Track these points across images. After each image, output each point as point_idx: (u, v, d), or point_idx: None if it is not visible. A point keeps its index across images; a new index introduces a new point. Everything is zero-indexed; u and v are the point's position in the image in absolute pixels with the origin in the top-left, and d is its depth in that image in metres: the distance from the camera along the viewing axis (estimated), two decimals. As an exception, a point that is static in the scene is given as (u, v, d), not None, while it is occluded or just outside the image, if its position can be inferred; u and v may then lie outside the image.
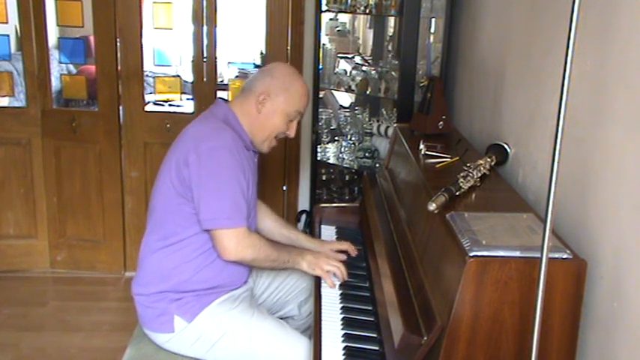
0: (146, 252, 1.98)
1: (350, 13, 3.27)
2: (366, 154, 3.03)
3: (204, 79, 3.38)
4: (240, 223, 1.85)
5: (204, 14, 3.29)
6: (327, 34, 3.46)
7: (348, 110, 3.42)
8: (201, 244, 1.90)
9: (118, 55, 3.34)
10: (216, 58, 3.37)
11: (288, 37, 3.38)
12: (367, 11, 2.97)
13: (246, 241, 1.86)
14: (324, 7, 3.07)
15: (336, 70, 3.22)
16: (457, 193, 1.59)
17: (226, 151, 1.84)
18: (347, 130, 3.21)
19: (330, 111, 3.48)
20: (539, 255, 1.13)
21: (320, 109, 3.26)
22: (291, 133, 2.04)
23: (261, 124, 1.97)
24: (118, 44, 3.33)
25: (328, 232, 2.34)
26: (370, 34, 3.60)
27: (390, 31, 3.31)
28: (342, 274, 1.94)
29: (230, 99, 2.75)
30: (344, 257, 2.04)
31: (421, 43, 2.75)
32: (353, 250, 2.13)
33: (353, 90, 3.05)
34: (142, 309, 1.96)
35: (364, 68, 3.16)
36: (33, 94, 3.39)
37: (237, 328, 1.90)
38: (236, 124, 1.96)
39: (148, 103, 3.57)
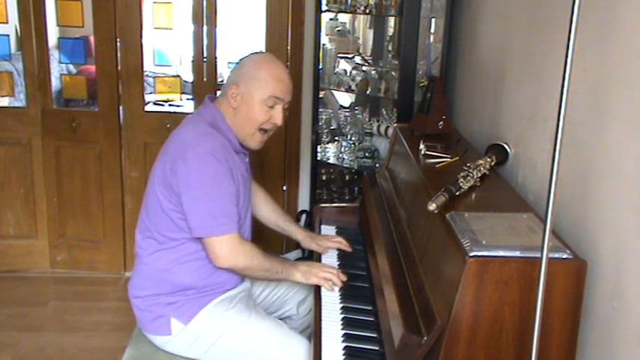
0: (139, 254, 1.97)
1: (350, 13, 3.26)
2: (366, 154, 3.03)
3: (204, 79, 3.38)
4: (231, 229, 1.83)
5: (204, 14, 3.30)
6: (327, 34, 3.46)
7: (348, 110, 3.42)
8: (194, 246, 1.89)
9: (118, 55, 3.34)
10: (216, 58, 3.37)
11: (288, 37, 3.39)
12: (367, 11, 2.96)
13: (239, 247, 1.84)
14: (324, 7, 3.07)
15: (336, 70, 3.22)
16: (457, 193, 1.59)
17: (213, 158, 1.81)
18: (347, 130, 3.21)
19: (330, 111, 3.48)
20: (539, 255, 1.13)
21: (320, 109, 3.26)
22: (278, 121, 1.92)
23: (241, 118, 1.91)
24: (118, 44, 3.33)
25: (328, 232, 2.33)
26: (370, 34, 3.60)
27: (390, 31, 3.30)
28: (339, 278, 1.91)
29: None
30: (335, 268, 1.97)
31: (421, 43, 2.75)
32: (346, 246, 2.14)
33: (353, 90, 3.05)
34: (139, 312, 1.96)
35: (364, 68, 3.16)
36: (33, 94, 3.39)
37: (234, 329, 1.90)
38: (223, 125, 1.91)
39: (148, 103, 3.56)
